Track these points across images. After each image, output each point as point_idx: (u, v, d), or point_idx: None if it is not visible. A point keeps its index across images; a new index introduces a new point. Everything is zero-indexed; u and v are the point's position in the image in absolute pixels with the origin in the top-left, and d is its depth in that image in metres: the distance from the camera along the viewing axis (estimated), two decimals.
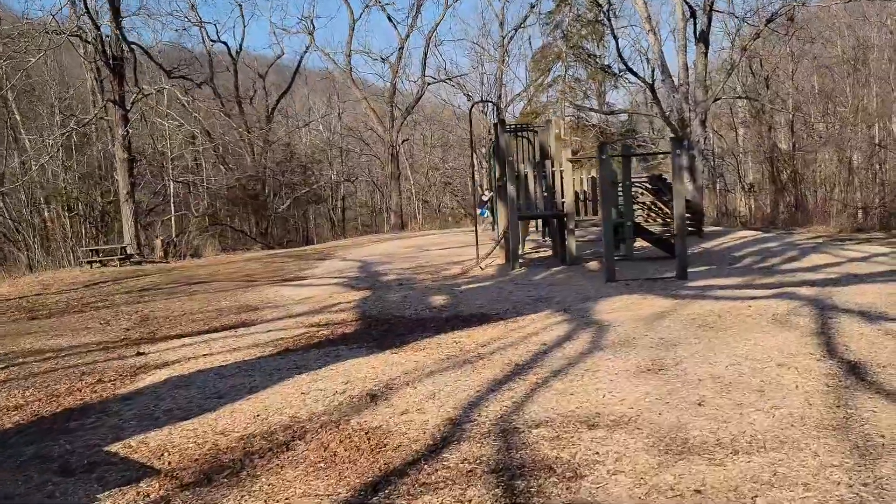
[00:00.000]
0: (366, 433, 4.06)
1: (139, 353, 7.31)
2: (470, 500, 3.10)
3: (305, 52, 49.54)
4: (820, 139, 29.65)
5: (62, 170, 27.63)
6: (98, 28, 22.77)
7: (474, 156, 37.14)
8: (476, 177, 30.57)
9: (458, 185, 44.80)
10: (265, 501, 3.30)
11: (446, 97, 45.48)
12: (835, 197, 27.69)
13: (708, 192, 32.47)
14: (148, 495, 3.46)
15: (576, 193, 13.39)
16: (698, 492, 3.02)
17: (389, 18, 49.48)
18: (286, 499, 3.30)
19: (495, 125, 13.04)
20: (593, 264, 12.28)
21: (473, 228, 14.12)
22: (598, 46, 35.87)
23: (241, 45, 44.74)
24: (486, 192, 22.09)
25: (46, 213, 29.85)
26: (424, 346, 6.57)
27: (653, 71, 28.79)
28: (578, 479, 3.23)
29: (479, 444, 3.75)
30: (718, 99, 26.64)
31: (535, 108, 38.32)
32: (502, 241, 13.22)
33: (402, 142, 41.73)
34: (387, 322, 8.38)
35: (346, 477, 3.46)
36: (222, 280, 14.58)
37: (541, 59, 38.38)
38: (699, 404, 4.05)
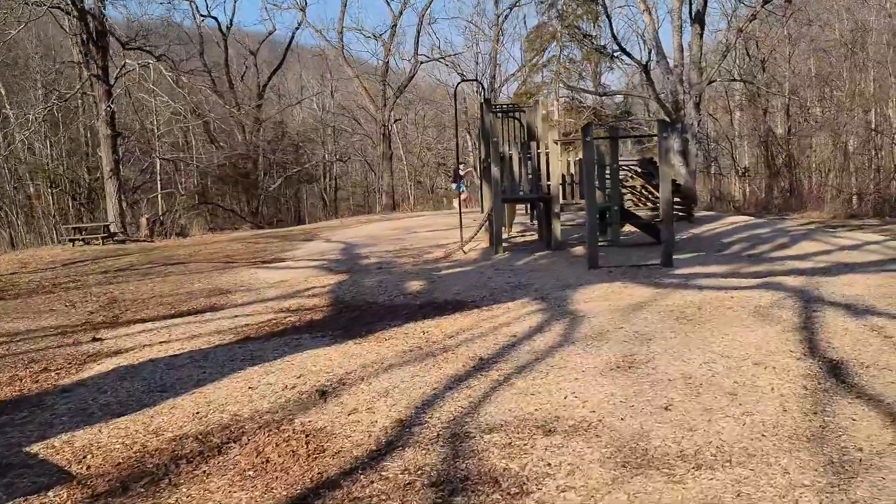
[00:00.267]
0: (306, 436, 3.76)
1: (95, 339, 7.00)
2: None
3: (297, 28, 48.74)
4: (816, 124, 29.28)
5: (45, 145, 27.11)
6: (80, 0, 22.21)
7: (468, 137, 36.71)
8: (470, 159, 30.23)
9: (452, 166, 44.32)
10: None
11: (441, 77, 44.84)
12: (829, 182, 27.37)
13: (702, 176, 32.15)
14: None
15: (563, 176, 13.06)
16: None
17: None
18: None
19: (481, 105, 12.66)
20: (578, 249, 11.97)
21: (464, 211, 13.76)
22: (593, 26, 35.37)
23: (231, 21, 43.98)
24: (461, 167, 21.71)
25: (32, 189, 29.43)
26: (391, 335, 6.27)
27: (649, 52, 28.31)
28: (524, 495, 2.94)
29: (424, 452, 3.45)
30: (713, 81, 26.26)
31: (529, 88, 37.87)
32: (486, 224, 12.89)
33: (395, 121, 41.23)
34: (358, 308, 8.08)
35: (273, 488, 3.17)
36: (201, 261, 14.24)
37: (535, 38, 37.87)
38: (666, 408, 3.75)
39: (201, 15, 39.46)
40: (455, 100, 13.90)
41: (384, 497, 2.99)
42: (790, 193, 28.09)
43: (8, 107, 27.84)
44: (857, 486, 2.84)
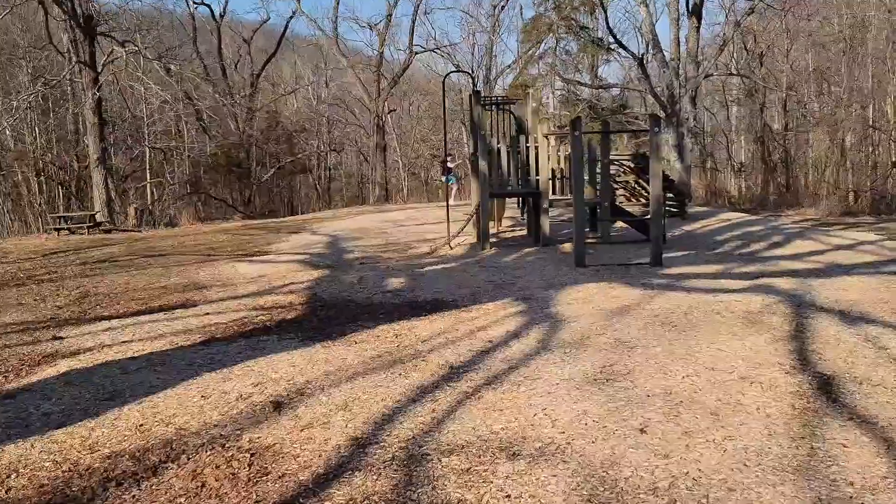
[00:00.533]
0: (252, 455, 3.46)
1: (56, 338, 6.68)
2: None
3: (291, 17, 48.19)
4: (813, 119, 28.99)
5: (30, 132, 26.68)
6: None
7: (463, 129, 36.29)
8: (466, 150, 29.89)
9: (442, 158, 43.94)
10: None
11: (437, 68, 44.37)
12: (826, 179, 27.10)
13: (697, 171, 31.86)
14: None
15: (553, 171, 12.75)
16: None
17: None
18: None
19: (470, 97, 12.34)
20: (567, 246, 11.65)
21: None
22: (591, 18, 34.94)
23: (224, 9, 43.37)
24: (450, 159, 21.38)
25: (20, 177, 29.02)
26: (362, 338, 5.97)
27: (646, 45, 27.95)
28: None
29: (375, 477, 3.16)
30: (710, 76, 25.95)
31: (525, 80, 37.44)
32: (473, 219, 12.59)
33: (389, 112, 40.83)
34: (334, 307, 7.78)
35: None
36: (183, 253, 13.92)
37: (532, 30, 37.42)
38: (642, 430, 3.46)
39: (194, 2, 38.88)
40: (444, 91, 13.56)
41: None
42: (786, 189, 27.83)
43: None
44: None
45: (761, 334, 5.21)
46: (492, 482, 3.03)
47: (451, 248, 12.11)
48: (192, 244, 15.87)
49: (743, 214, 17.37)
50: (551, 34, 35.84)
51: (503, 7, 40.31)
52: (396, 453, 3.39)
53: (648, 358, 4.73)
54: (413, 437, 3.58)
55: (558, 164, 13.03)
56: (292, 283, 9.41)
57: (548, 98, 38.01)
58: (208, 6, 39.78)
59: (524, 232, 14.28)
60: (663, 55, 23.89)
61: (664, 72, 23.65)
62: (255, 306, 8.04)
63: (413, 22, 37.86)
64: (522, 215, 16.52)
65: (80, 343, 6.35)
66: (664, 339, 5.19)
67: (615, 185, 14.73)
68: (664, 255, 9.71)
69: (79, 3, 22.09)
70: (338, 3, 37.81)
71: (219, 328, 6.77)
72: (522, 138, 12.14)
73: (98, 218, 22.91)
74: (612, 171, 15.72)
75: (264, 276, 10.25)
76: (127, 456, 3.54)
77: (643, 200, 15.15)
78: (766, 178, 29.61)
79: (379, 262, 11.20)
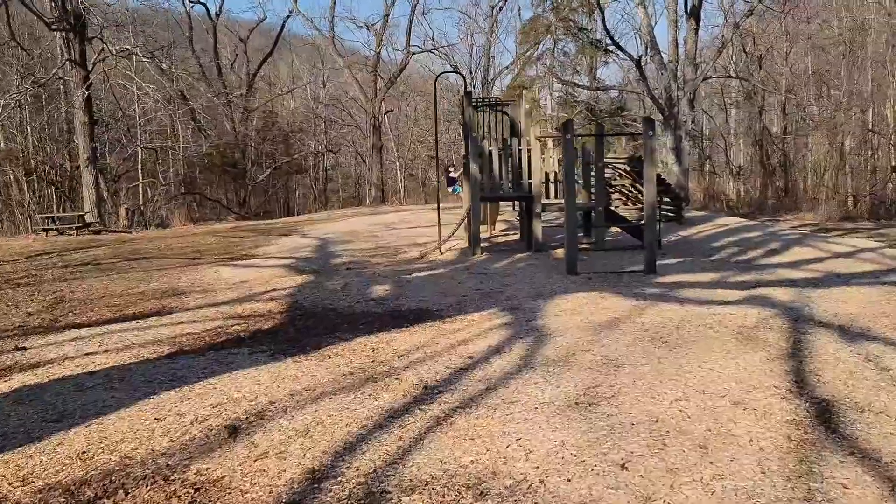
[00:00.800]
0: (195, 491, 3.15)
1: (18, 349, 6.37)
2: None
3: (288, 16, 47.83)
4: (812, 123, 28.71)
5: (20, 131, 26.35)
6: None
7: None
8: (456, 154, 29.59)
9: (445, 159, 43.66)
10: None
11: (435, 68, 44.07)
12: (825, 183, 26.82)
13: (696, 174, 31.58)
14: None
15: (547, 174, 12.47)
16: None
17: None
18: None
19: (462, 98, 12.04)
20: (560, 252, 11.36)
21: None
22: (589, 20, 34.66)
23: (220, 8, 43.11)
24: (452, 169, 21.13)
25: (12, 176, 28.70)
26: (336, 352, 5.67)
27: (645, 48, 27.65)
28: None
29: None
30: (708, 78, 25.66)
31: (523, 81, 37.17)
32: (463, 223, 12.29)
33: (386, 113, 40.53)
34: (314, 316, 7.48)
35: None
36: (168, 256, 13.63)
37: (530, 31, 37.18)
38: (623, 466, 3.15)
39: (190, 1, 38.56)
40: (435, 91, 13.27)
41: None
42: (785, 194, 27.55)
43: None
44: None
45: (756, 352, 4.91)
46: None
47: (442, 254, 11.82)
48: (179, 246, 15.57)
49: (740, 219, 17.09)
50: (549, 35, 35.59)
51: (501, 8, 40.09)
52: (354, 490, 3.09)
53: (636, 378, 4.43)
54: (375, 471, 3.28)
55: (553, 167, 12.75)
56: (274, 290, 9.12)
57: (546, 100, 37.76)
58: (204, 5, 39.43)
59: (518, 236, 14.00)
60: (661, 57, 23.62)
61: (662, 74, 23.37)
62: (233, 315, 7.74)
63: (410, 22, 37.66)
64: (518, 219, 16.23)
65: (42, 355, 6.04)
66: (653, 357, 4.89)
67: (611, 190, 14.45)
68: (659, 262, 9.43)
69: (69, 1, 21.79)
70: (334, 3, 37.47)
71: (190, 339, 6.47)
72: (515, 140, 11.84)
73: (88, 219, 22.62)
74: (607, 175, 15.44)
75: (246, 282, 9.95)
76: (60, 490, 3.24)
77: (639, 205, 14.86)
78: (765, 182, 29.33)
79: (366, 267, 10.91)
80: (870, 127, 26.58)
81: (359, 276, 9.76)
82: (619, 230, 13.24)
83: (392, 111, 43.08)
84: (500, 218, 16.57)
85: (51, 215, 22.69)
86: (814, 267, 9.60)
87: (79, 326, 7.51)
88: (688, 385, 4.25)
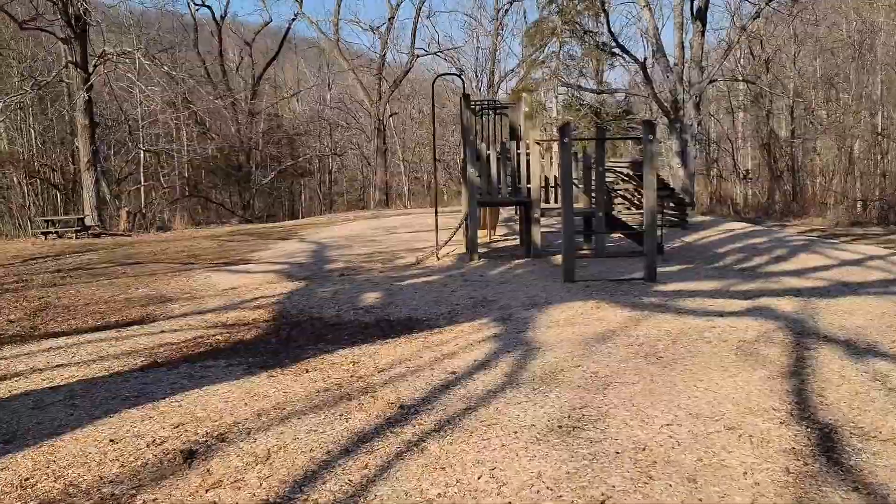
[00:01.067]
0: None
1: None
2: None
3: (293, 19, 47.61)
4: (820, 126, 28.33)
5: (20, 134, 26.22)
6: None
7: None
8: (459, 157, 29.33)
9: (451, 162, 43.41)
10: None
11: (441, 71, 43.84)
12: (833, 187, 26.45)
13: (702, 178, 31.24)
14: None
15: (546, 179, 12.18)
16: None
17: None
18: None
19: (460, 100, 11.77)
20: (559, 258, 11.07)
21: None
22: (595, 22, 34.33)
23: (225, 10, 43.03)
24: None
25: (15, 179, 28.62)
26: (315, 366, 5.41)
27: (652, 52, 27.35)
28: None
29: None
30: (714, 81, 25.33)
31: (528, 85, 36.86)
32: (461, 228, 12.04)
33: (390, 116, 40.31)
34: (299, 325, 7.23)
35: None
36: (162, 260, 13.41)
37: (535, 33, 36.86)
38: None
39: (195, 4, 38.48)
40: (433, 94, 13.02)
41: None
42: (792, 198, 27.18)
43: None
44: None
45: (756, 370, 4.62)
46: None
47: (439, 259, 11.57)
48: (175, 251, 15.37)
49: (746, 225, 16.75)
50: (555, 38, 35.28)
51: (507, 10, 39.85)
52: None
53: (625, 399, 4.14)
54: (334, 503, 3.01)
55: (552, 171, 12.46)
56: (262, 297, 8.87)
57: (551, 103, 37.45)
58: (209, 8, 39.26)
59: (518, 241, 13.72)
60: (667, 60, 23.32)
61: (668, 77, 23.07)
62: (216, 323, 7.50)
63: (415, 25, 37.45)
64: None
65: (10, 367, 5.79)
66: (646, 375, 4.61)
67: (613, 195, 14.14)
68: (660, 270, 9.13)
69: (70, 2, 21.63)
70: (339, 6, 37.30)
71: (167, 350, 6.22)
72: (513, 144, 11.57)
73: (88, 222, 22.45)
74: (609, 180, 15.14)
75: (236, 288, 9.71)
76: None
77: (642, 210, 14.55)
78: (772, 186, 28.97)
79: (360, 273, 10.66)
80: (879, 130, 26.20)
81: (351, 283, 9.51)
82: (622, 236, 12.95)
83: (397, 114, 42.86)
84: (500, 221, 16.31)
85: (50, 218, 22.53)
86: (820, 275, 9.29)
87: (57, 335, 7.28)
88: (680, 407, 3.97)
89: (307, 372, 5.21)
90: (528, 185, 11.30)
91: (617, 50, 25.77)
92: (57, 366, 5.74)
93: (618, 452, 3.36)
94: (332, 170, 47.65)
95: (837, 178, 26.83)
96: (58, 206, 28.85)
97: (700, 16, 22.50)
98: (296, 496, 3.10)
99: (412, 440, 3.66)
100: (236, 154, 37.80)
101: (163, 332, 7.12)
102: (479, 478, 3.16)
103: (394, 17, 37.59)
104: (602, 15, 25.49)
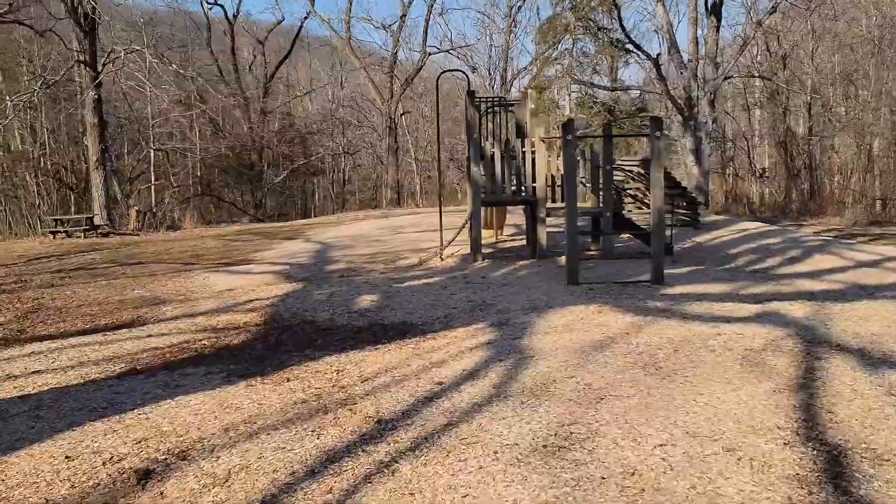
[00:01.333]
0: None
1: None
2: None
3: (306, 18, 47.48)
4: (839, 124, 27.76)
5: (31, 133, 26.22)
6: None
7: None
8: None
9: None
10: None
11: (462, 70, 43.53)
12: (852, 186, 25.90)
13: (717, 176, 30.75)
14: None
15: (553, 177, 11.88)
16: None
17: None
18: None
19: (465, 96, 11.49)
20: (565, 259, 10.79)
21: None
22: (609, 19, 33.87)
23: (237, 9, 42.99)
24: None
25: (29, 178, 28.65)
26: (298, 374, 5.16)
27: (668, 48, 26.92)
28: None
29: None
30: (729, 77, 24.86)
31: (541, 82, 36.50)
32: (464, 228, 11.76)
33: (402, 114, 40.08)
34: (290, 329, 7.00)
35: None
36: (164, 260, 13.27)
37: (548, 30, 36.46)
38: None
39: (208, 3, 38.41)
40: (437, 91, 12.76)
41: None
42: (809, 197, 26.66)
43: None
44: None
45: (761, 382, 4.32)
46: None
47: (442, 260, 11.31)
48: (179, 250, 15.23)
49: (761, 224, 16.34)
50: (568, 35, 34.87)
51: (520, 7, 39.49)
52: None
53: (618, 415, 3.86)
54: None
55: (559, 170, 12.16)
56: (257, 299, 8.64)
57: (564, 101, 37.07)
58: (221, 6, 39.15)
59: (525, 241, 13.42)
60: (681, 56, 22.91)
61: (682, 73, 22.65)
62: (206, 327, 7.28)
63: (427, 22, 37.13)
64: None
65: None
66: (643, 388, 4.31)
67: (623, 193, 13.81)
68: (668, 271, 8.82)
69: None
70: (351, 4, 37.08)
71: (149, 356, 6.00)
72: (519, 142, 11.28)
73: (97, 221, 22.38)
74: (620, 178, 14.80)
75: (232, 290, 9.50)
76: None
77: None
78: (789, 185, 28.44)
79: (359, 274, 10.42)
80: None
81: (349, 285, 9.26)
82: (631, 236, 12.62)
83: (409, 112, 42.61)
84: (510, 222, 16.01)
85: (58, 217, 22.48)
86: (835, 277, 8.94)
87: (42, 339, 7.10)
88: (677, 424, 3.68)
89: (288, 381, 4.96)
90: (534, 184, 11.01)
91: (630, 46, 25.33)
92: (33, 372, 5.53)
93: (604, 478, 3.08)
94: (344, 168, 47.46)
95: (856, 176, 26.27)
96: (70, 206, 28.86)
97: (715, 11, 22.07)
98: None
99: (384, 460, 3.39)
100: (248, 153, 37.70)
101: (149, 336, 6.91)
102: None
103: (406, 15, 37.34)
104: (614, 10, 25.09)
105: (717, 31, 22.16)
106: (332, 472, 3.30)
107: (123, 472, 3.40)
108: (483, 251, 11.24)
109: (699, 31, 22.92)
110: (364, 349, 5.88)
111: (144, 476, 3.33)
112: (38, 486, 3.30)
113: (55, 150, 30.31)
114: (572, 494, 2.93)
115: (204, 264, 12.44)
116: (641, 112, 32.55)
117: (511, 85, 40.34)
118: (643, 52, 24.32)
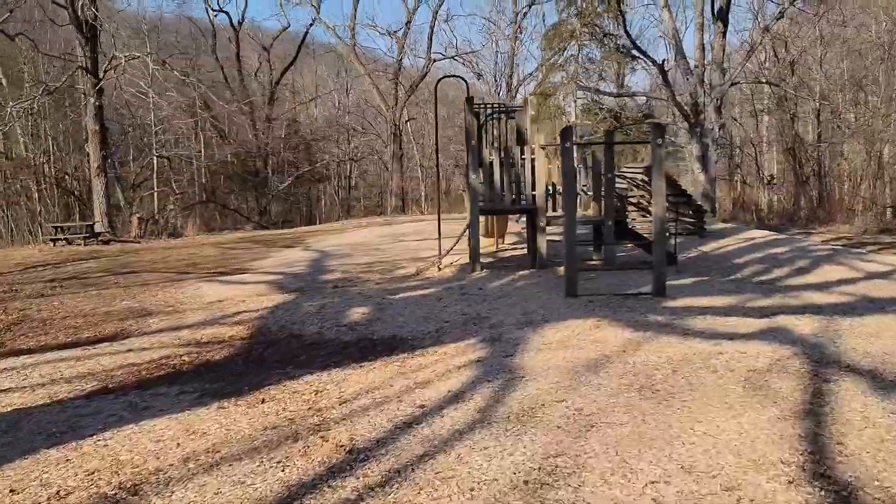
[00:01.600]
0: None
1: None
2: None
3: (311, 24, 47.47)
4: (848, 130, 27.38)
5: (32, 140, 26.12)
6: None
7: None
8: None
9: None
10: None
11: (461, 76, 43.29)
12: (861, 193, 25.50)
13: (725, 184, 30.39)
14: None
15: (554, 185, 11.60)
16: None
17: None
18: None
19: (464, 103, 11.22)
20: (564, 270, 10.49)
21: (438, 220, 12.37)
22: (615, 25, 33.59)
23: (242, 16, 42.92)
24: None
25: (32, 186, 28.55)
26: (275, 394, 4.89)
27: (675, 54, 26.60)
28: None
29: None
30: (736, 83, 24.52)
31: (546, 89, 36.23)
32: (463, 236, 11.48)
33: (407, 121, 39.88)
34: (275, 343, 6.73)
35: None
36: (159, 269, 13.04)
37: (554, 36, 36.19)
38: None
39: (213, 10, 38.37)
40: (436, 97, 12.50)
41: None
42: (818, 204, 26.26)
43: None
44: None
45: (765, 408, 4.02)
46: None
47: (440, 269, 11.03)
48: (176, 259, 15.02)
49: (768, 233, 16.01)
50: (574, 41, 34.61)
51: (525, 14, 39.27)
52: None
53: (609, 446, 3.56)
54: None
55: (559, 177, 11.88)
56: (246, 311, 8.39)
57: (570, 107, 36.78)
58: (227, 14, 39.14)
59: (526, 250, 13.14)
60: (687, 62, 22.60)
61: (688, 79, 22.34)
62: (189, 341, 7.02)
63: (431, 29, 36.98)
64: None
65: None
66: (637, 414, 4.02)
67: (627, 202, 13.52)
68: (671, 283, 8.51)
69: (80, 6, 21.43)
70: (356, 10, 36.96)
71: (124, 373, 5.74)
72: (517, 150, 11.01)
73: (97, 228, 22.21)
74: (623, 186, 14.51)
75: (223, 301, 9.25)
76: None
77: None
78: (798, 192, 28.05)
79: (354, 285, 10.15)
80: None
81: (341, 297, 8.99)
82: (633, 246, 12.31)
83: (414, 119, 42.42)
84: (511, 230, 15.72)
85: (59, 224, 22.32)
86: (844, 289, 8.61)
87: (19, 353, 6.86)
88: (671, 458, 3.38)
89: (263, 402, 4.69)
90: (534, 192, 10.72)
91: (636, 52, 25.04)
92: (4, 390, 5.28)
93: None
94: (349, 175, 47.29)
95: (866, 183, 25.87)
96: (74, 213, 28.75)
97: (721, 16, 21.77)
98: None
99: (350, 498, 3.11)
100: (253, 159, 37.58)
101: (129, 350, 6.67)
102: None
103: (410, 22, 37.21)
104: (620, 16, 24.81)
105: (724, 36, 21.84)
106: None
107: None
108: (482, 260, 10.96)
109: (706, 37, 22.62)
110: (348, 367, 5.61)
111: None
112: None
113: (59, 157, 30.23)
114: None
115: (199, 273, 12.21)
116: (648, 119, 32.22)
117: (517, 91, 40.12)
118: (649, 58, 24.03)
